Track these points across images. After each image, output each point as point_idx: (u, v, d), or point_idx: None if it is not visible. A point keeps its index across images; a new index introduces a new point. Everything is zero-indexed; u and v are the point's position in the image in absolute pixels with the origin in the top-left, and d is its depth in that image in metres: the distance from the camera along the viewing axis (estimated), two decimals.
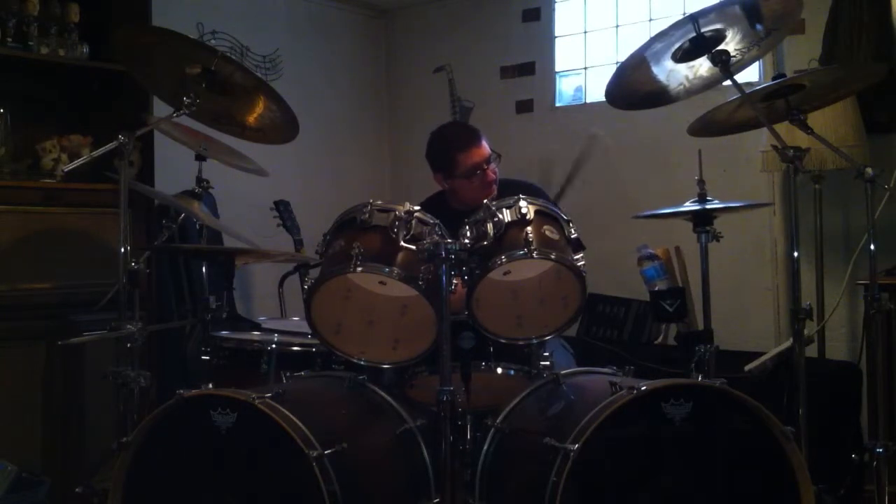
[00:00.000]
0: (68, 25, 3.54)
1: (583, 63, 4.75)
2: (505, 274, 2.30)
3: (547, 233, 2.25)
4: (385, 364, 2.41)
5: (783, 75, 3.36)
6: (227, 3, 4.60)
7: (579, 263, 2.25)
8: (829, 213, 3.62)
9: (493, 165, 2.99)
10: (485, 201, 2.29)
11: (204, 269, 2.98)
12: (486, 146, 3.00)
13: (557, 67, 4.81)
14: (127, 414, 2.49)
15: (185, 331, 3.47)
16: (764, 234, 4.03)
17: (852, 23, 3.57)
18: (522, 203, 2.25)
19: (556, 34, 4.81)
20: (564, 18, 4.81)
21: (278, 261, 3.65)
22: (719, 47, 2.43)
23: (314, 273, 2.32)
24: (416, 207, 2.28)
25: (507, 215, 2.24)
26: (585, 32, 4.74)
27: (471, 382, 2.33)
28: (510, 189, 2.54)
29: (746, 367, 3.25)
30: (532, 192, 2.55)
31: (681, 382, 2.11)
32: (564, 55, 4.80)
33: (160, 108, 3.14)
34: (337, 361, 2.52)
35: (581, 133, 4.61)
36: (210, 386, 2.17)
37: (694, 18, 2.35)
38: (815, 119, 2.65)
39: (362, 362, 2.39)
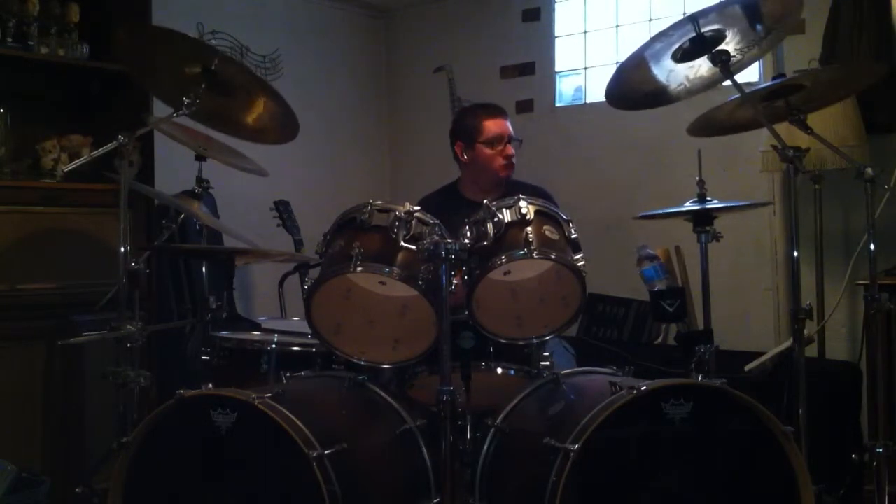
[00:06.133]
0: (68, 25, 3.54)
1: (583, 63, 4.75)
2: (505, 274, 2.30)
3: (547, 233, 2.25)
4: (385, 364, 2.41)
5: (783, 75, 3.37)
6: (227, 3, 4.60)
7: (579, 263, 2.25)
8: (829, 213, 3.62)
9: (513, 145, 3.11)
10: (485, 201, 2.29)
11: (204, 269, 2.98)
12: (510, 126, 3.15)
13: (557, 67, 4.81)
14: (127, 414, 2.49)
15: (185, 331, 3.46)
16: (764, 234, 4.03)
17: (852, 23, 3.57)
18: (522, 203, 2.26)
19: (556, 34, 4.81)
20: (564, 18, 4.81)
21: (278, 261, 3.65)
22: (719, 47, 2.43)
23: (314, 273, 2.32)
24: (416, 207, 2.28)
25: (507, 215, 2.24)
26: (585, 32, 4.74)
27: (471, 382, 2.33)
28: (519, 190, 2.54)
29: (746, 367, 3.24)
30: (540, 195, 2.57)
31: (681, 382, 2.11)
32: (564, 55, 4.80)
33: (160, 108, 3.14)
34: (337, 361, 2.51)
35: (581, 133, 4.62)
36: (210, 386, 2.17)
37: (694, 18, 2.35)
38: (815, 119, 2.64)
39: (362, 362, 2.39)
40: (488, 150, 3.10)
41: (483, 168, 3.13)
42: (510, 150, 3.10)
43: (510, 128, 3.14)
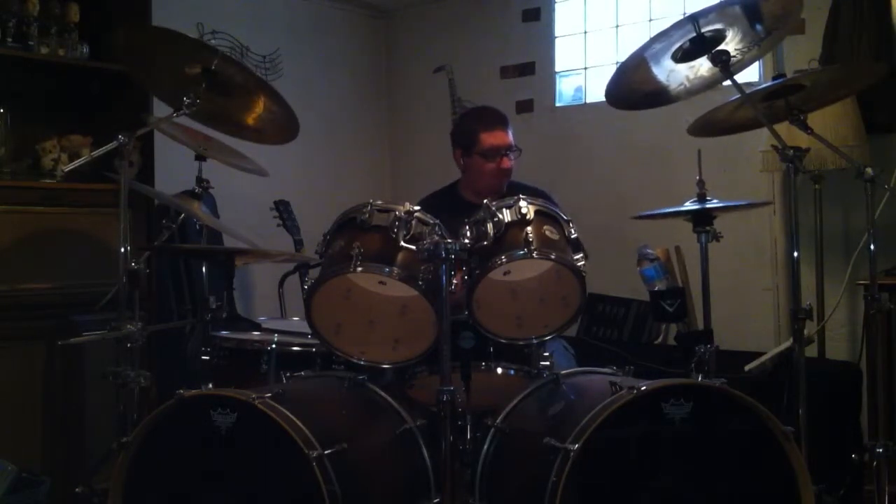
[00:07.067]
0: (68, 25, 3.54)
1: (583, 63, 4.75)
2: (505, 274, 2.30)
3: (547, 233, 2.25)
4: (385, 364, 2.41)
5: (783, 75, 3.36)
6: (227, 3, 4.60)
7: (579, 263, 2.25)
8: (829, 213, 3.62)
9: (511, 155, 3.06)
10: (485, 201, 2.29)
11: (204, 269, 2.98)
12: (510, 135, 3.08)
13: (557, 67, 4.81)
14: (127, 414, 2.49)
15: (185, 331, 3.46)
16: (764, 234, 4.03)
17: (852, 23, 3.56)
18: (522, 203, 2.26)
19: (556, 34, 4.81)
20: (564, 18, 4.80)
21: (278, 261, 3.65)
22: (719, 47, 2.43)
23: (314, 273, 2.32)
24: (416, 207, 2.28)
25: (507, 215, 2.24)
26: (585, 32, 4.74)
27: (471, 382, 2.33)
28: (519, 191, 2.54)
29: (746, 367, 3.25)
30: (539, 196, 2.57)
31: (681, 382, 2.11)
32: (564, 55, 4.80)
33: (160, 108, 3.14)
34: (337, 361, 2.51)
35: (581, 133, 4.62)
36: (210, 386, 2.17)
37: (694, 18, 2.35)
38: (815, 119, 2.64)
39: (362, 362, 2.39)
40: (484, 162, 3.06)
41: (479, 177, 3.10)
42: (506, 163, 3.04)
43: (509, 137, 3.07)
